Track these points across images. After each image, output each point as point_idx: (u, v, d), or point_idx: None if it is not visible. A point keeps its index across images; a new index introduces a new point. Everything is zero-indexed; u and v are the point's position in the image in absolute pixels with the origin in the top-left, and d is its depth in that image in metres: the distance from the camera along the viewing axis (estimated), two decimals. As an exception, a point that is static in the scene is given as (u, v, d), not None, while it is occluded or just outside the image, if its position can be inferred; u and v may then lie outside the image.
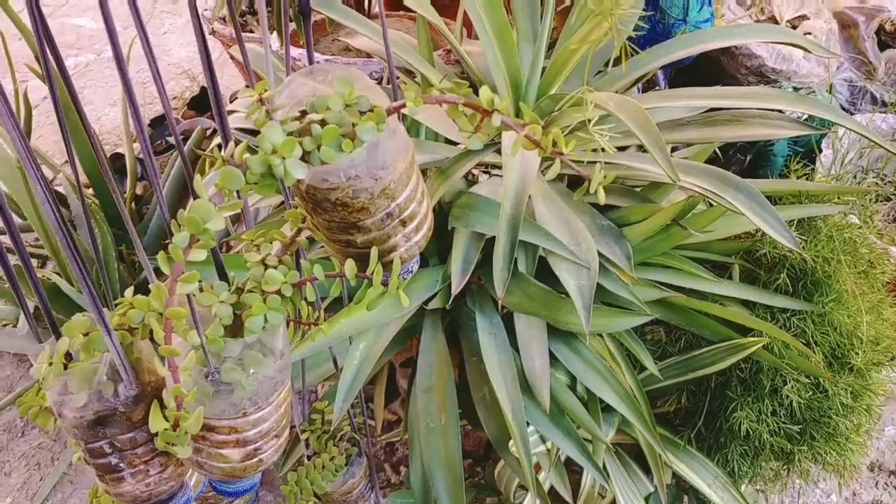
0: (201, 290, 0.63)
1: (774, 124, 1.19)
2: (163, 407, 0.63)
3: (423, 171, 1.24)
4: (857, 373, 1.23)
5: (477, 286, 1.25)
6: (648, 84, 1.76)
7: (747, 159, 1.68)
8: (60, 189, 2.01)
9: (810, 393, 1.21)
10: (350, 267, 0.63)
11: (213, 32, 2.15)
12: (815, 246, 1.21)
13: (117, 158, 2.21)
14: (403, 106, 0.57)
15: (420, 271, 1.21)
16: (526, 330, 1.17)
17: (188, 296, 0.59)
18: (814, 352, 1.23)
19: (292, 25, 2.17)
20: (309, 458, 1.25)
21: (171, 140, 2.65)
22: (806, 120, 1.26)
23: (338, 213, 0.60)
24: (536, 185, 1.20)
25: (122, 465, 0.74)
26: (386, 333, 1.17)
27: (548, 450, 1.28)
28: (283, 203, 1.39)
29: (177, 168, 2.15)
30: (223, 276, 0.68)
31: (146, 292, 0.60)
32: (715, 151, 1.56)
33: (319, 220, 0.63)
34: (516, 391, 1.09)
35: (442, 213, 1.18)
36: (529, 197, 1.19)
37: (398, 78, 1.77)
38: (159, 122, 2.74)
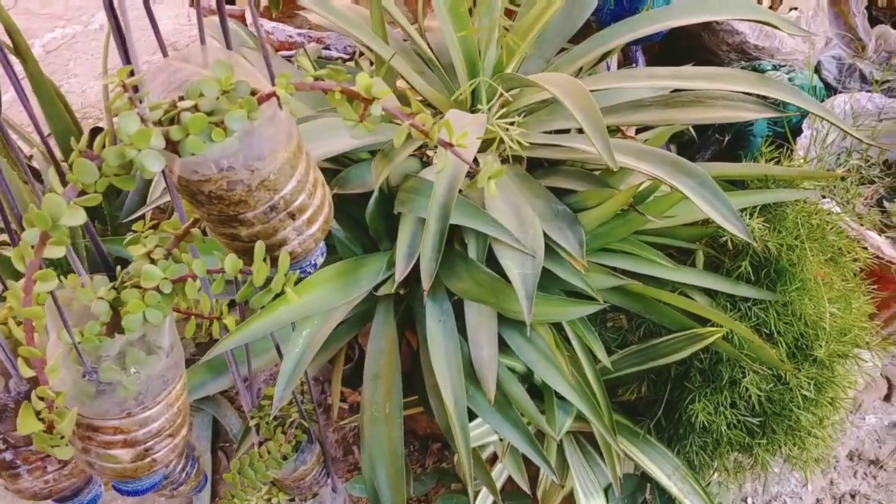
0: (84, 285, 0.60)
1: (738, 106, 1.15)
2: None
3: (374, 151, 1.20)
4: (820, 364, 1.19)
5: (431, 271, 1.22)
6: (627, 62, 1.71)
7: (725, 140, 1.63)
8: (36, 164, 1.98)
9: (771, 385, 1.18)
10: (231, 262, 0.59)
11: (192, 3, 2.10)
12: (778, 233, 1.17)
13: (98, 132, 2.17)
14: (273, 95, 0.53)
15: (368, 257, 1.18)
16: (475, 318, 1.14)
17: (52, 293, 0.56)
18: (776, 343, 1.19)
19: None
20: (260, 444, 1.23)
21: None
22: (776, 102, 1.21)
23: (214, 207, 0.57)
24: (489, 169, 1.16)
25: (17, 461, 0.72)
26: (332, 319, 1.14)
27: (500, 439, 1.25)
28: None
29: (154, 143, 2.10)
30: (109, 269, 0.65)
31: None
32: (691, 133, 1.52)
33: (200, 212, 0.59)
34: (460, 383, 1.06)
35: (391, 195, 1.15)
36: (476, 181, 1.15)
37: (357, 56, 1.73)
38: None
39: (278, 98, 0.54)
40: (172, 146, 0.53)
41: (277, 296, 0.63)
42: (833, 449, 1.31)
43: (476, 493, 1.48)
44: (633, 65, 1.67)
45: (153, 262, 0.62)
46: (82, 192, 0.51)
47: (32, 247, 0.50)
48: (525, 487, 1.30)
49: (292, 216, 0.60)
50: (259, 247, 0.59)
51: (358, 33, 1.19)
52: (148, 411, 0.64)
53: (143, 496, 1.71)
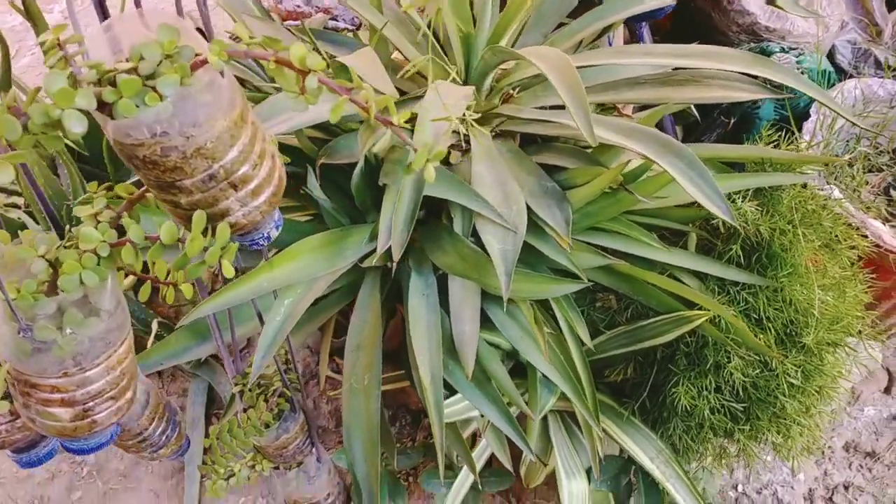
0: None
1: (734, 86, 1.12)
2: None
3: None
4: (808, 352, 1.17)
5: (418, 245, 1.21)
6: (634, 40, 1.67)
7: (731, 122, 1.59)
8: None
9: (757, 371, 1.16)
10: (167, 230, 0.59)
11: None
12: (770, 217, 1.14)
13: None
14: (204, 62, 0.52)
15: (354, 227, 1.17)
16: (459, 292, 1.13)
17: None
18: (766, 328, 1.17)
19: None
20: (244, 411, 1.23)
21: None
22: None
23: (151, 172, 0.56)
24: (481, 142, 1.15)
25: (-34, 412, 0.72)
26: (315, 289, 1.14)
27: (482, 415, 1.24)
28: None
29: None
30: (58, 226, 0.65)
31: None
32: (694, 114, 1.49)
33: (140, 176, 0.59)
34: (438, 356, 1.06)
35: (378, 166, 1.13)
36: (467, 155, 1.14)
37: (355, 28, 1.71)
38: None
39: (212, 64, 0.53)
40: (107, 108, 0.52)
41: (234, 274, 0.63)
42: (822, 439, 1.29)
43: (452, 466, 1.48)
44: (640, 42, 1.64)
45: (99, 223, 0.62)
46: (11, 148, 0.51)
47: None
48: (507, 465, 1.30)
49: (234, 186, 0.59)
50: (198, 216, 0.59)
51: (353, 3, 1.18)
52: (86, 372, 0.64)
53: (136, 457, 1.73)
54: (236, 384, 1.20)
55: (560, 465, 1.29)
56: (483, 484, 1.43)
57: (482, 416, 1.26)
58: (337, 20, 1.89)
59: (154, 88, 0.52)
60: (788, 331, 1.17)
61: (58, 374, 0.62)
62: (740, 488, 1.63)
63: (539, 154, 1.21)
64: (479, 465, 1.39)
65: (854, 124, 1.05)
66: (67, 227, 0.63)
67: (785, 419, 1.18)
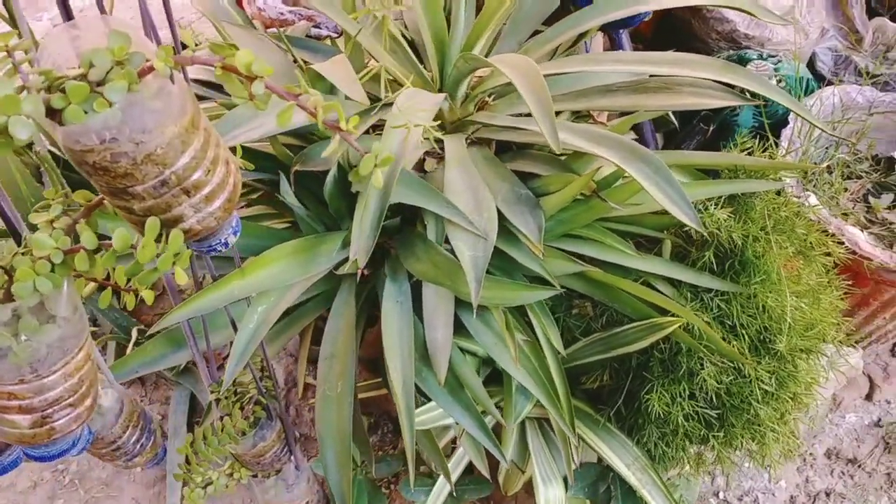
0: None
1: (705, 93, 1.13)
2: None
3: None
4: (781, 359, 1.17)
5: (395, 253, 1.21)
6: (614, 47, 1.68)
7: (710, 129, 1.60)
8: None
9: (731, 378, 1.16)
10: (120, 236, 0.59)
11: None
12: (743, 224, 1.15)
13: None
14: (151, 69, 0.53)
15: (327, 235, 1.17)
16: (433, 299, 1.13)
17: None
18: (739, 335, 1.17)
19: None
20: (221, 419, 1.23)
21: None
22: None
23: (101, 178, 0.56)
24: (455, 149, 1.15)
25: (-69, 421, 0.72)
26: (289, 296, 1.14)
27: (456, 423, 1.24)
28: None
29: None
30: (15, 234, 0.65)
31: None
32: (673, 121, 1.49)
33: (92, 182, 0.59)
34: (410, 362, 1.06)
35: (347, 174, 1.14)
36: (442, 162, 1.14)
37: (338, 35, 1.72)
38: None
39: (160, 72, 0.53)
40: (57, 115, 0.53)
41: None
42: (802, 446, 1.29)
43: (431, 474, 1.48)
44: (619, 50, 1.64)
45: (56, 230, 0.63)
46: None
47: None
48: (484, 472, 1.30)
49: (187, 192, 0.60)
50: (150, 222, 0.59)
51: (327, 10, 1.18)
52: (43, 379, 0.64)
53: (122, 470, 1.72)
54: (212, 392, 1.20)
55: (537, 471, 1.29)
56: (462, 491, 1.43)
57: (457, 423, 1.26)
58: (320, 27, 1.89)
59: (103, 95, 0.52)
60: (762, 337, 1.18)
61: (14, 381, 0.62)
62: (721, 495, 1.63)
63: (514, 161, 1.21)
64: (457, 473, 1.39)
65: (824, 132, 1.05)
66: (25, 234, 0.63)
67: (759, 425, 1.18)
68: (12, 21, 1.47)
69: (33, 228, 0.74)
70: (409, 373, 1.05)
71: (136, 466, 1.15)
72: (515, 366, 1.10)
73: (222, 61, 0.53)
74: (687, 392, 1.16)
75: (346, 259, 1.17)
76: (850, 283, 1.33)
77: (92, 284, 0.72)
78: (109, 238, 0.61)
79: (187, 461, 1.74)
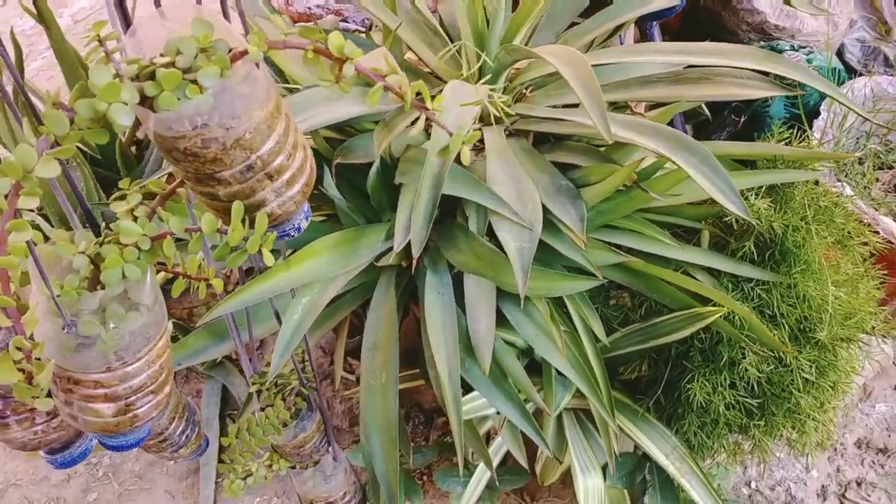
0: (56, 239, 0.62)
1: (747, 84, 1.13)
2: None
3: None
4: (822, 347, 1.18)
5: (434, 245, 1.22)
6: (644, 39, 1.69)
7: (741, 121, 1.61)
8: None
9: (772, 367, 1.17)
10: (207, 221, 0.60)
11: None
12: (783, 214, 1.15)
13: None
14: (245, 53, 0.54)
15: (369, 227, 1.18)
16: (474, 290, 1.14)
17: (29, 244, 0.57)
18: (779, 324, 1.17)
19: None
20: (262, 410, 1.24)
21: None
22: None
23: (190, 164, 0.57)
24: (495, 141, 1.16)
25: (7, 411, 0.73)
26: (332, 288, 1.15)
27: (498, 412, 1.25)
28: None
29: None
30: (93, 224, 0.66)
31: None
32: (705, 112, 1.49)
33: (178, 169, 0.60)
34: (455, 353, 1.07)
35: (393, 166, 1.15)
36: (483, 154, 1.15)
37: (366, 29, 1.73)
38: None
39: (251, 56, 0.54)
40: (148, 102, 0.53)
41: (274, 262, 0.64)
42: (836, 434, 1.29)
43: (467, 465, 1.49)
44: (650, 41, 1.65)
45: (136, 219, 0.64)
46: (56, 145, 0.52)
47: (6, 196, 0.51)
48: (523, 462, 1.31)
49: (270, 177, 0.61)
50: (236, 206, 0.60)
51: (367, 4, 1.19)
52: (129, 367, 0.65)
53: (151, 459, 1.74)
54: (253, 384, 1.21)
55: (575, 461, 1.30)
56: (499, 482, 1.44)
57: (498, 413, 1.27)
58: (347, 21, 1.91)
59: (195, 81, 0.53)
60: (802, 327, 1.18)
61: (101, 370, 0.63)
62: (753, 485, 1.64)
63: (552, 152, 1.22)
64: (495, 463, 1.40)
65: (866, 119, 1.06)
66: (103, 224, 0.64)
67: (799, 414, 1.19)
68: (41, 17, 1.49)
69: (88, 221, 0.75)
70: (454, 363, 1.06)
71: (182, 458, 1.16)
72: (561, 356, 1.11)
73: (314, 44, 0.54)
74: (728, 381, 1.17)
75: (387, 251, 1.18)
76: (885, 272, 1.33)
77: (162, 274, 0.73)
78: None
79: (219, 452, 1.76)
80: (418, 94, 0.60)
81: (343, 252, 1.13)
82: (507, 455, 1.38)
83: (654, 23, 1.50)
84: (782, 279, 1.17)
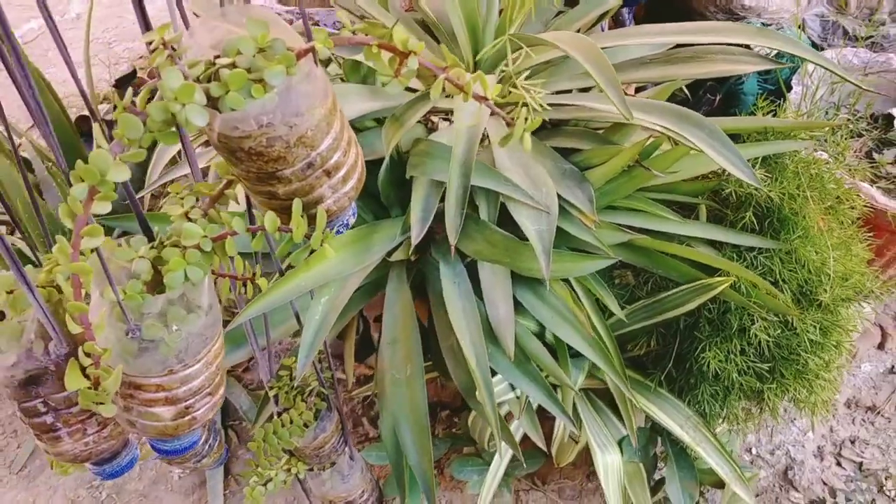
0: (120, 244, 0.62)
1: (738, 59, 1.16)
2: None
3: (380, 120, 1.22)
4: (825, 309, 1.22)
5: (441, 236, 1.23)
6: (616, 24, 1.72)
7: (717, 99, 1.65)
8: (25, 154, 1.98)
9: (779, 331, 1.20)
10: (270, 219, 0.60)
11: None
12: (780, 183, 1.19)
13: (83, 121, 2.16)
14: (312, 49, 0.55)
15: (380, 223, 1.19)
16: (490, 278, 1.15)
17: (97, 250, 0.57)
18: (782, 290, 1.21)
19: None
20: (279, 414, 1.24)
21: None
22: (771, 55, 1.23)
23: (254, 164, 0.58)
24: (499, 130, 1.17)
25: (58, 424, 0.73)
26: (348, 286, 1.15)
27: (517, 397, 1.27)
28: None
29: (146, 129, 2.11)
30: (147, 230, 0.66)
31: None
32: (684, 92, 1.53)
33: (238, 170, 0.60)
34: (480, 339, 1.08)
35: (400, 161, 1.16)
36: (488, 143, 1.17)
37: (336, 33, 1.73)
38: (126, 82, 2.70)
39: (315, 53, 0.55)
40: (213, 102, 0.54)
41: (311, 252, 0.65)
42: (836, 393, 1.34)
43: (480, 453, 1.51)
44: (624, 27, 1.68)
45: (191, 221, 0.64)
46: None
47: (81, 202, 0.51)
48: (541, 444, 1.32)
49: (328, 173, 0.61)
50: (297, 203, 0.61)
51: (361, 2, 1.20)
52: (189, 369, 0.65)
53: (154, 476, 1.72)
54: (272, 387, 1.21)
55: (592, 440, 1.32)
56: (514, 467, 1.46)
57: (517, 397, 1.29)
58: (319, 25, 1.90)
59: (259, 80, 0.54)
60: (803, 290, 1.22)
61: (162, 373, 0.63)
62: (754, 451, 1.68)
63: (551, 139, 1.24)
64: (508, 452, 1.42)
65: (858, 87, 1.10)
66: (157, 230, 0.65)
67: (807, 375, 1.23)
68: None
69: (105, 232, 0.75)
70: (480, 348, 1.08)
71: (205, 467, 1.16)
72: (584, 336, 1.13)
73: (378, 41, 0.55)
74: (738, 348, 1.20)
75: (396, 247, 1.19)
76: (870, 234, 1.38)
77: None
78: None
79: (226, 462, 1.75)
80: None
81: (358, 249, 1.13)
82: (522, 439, 1.40)
83: (630, 10, 1.53)
84: (782, 246, 1.21)
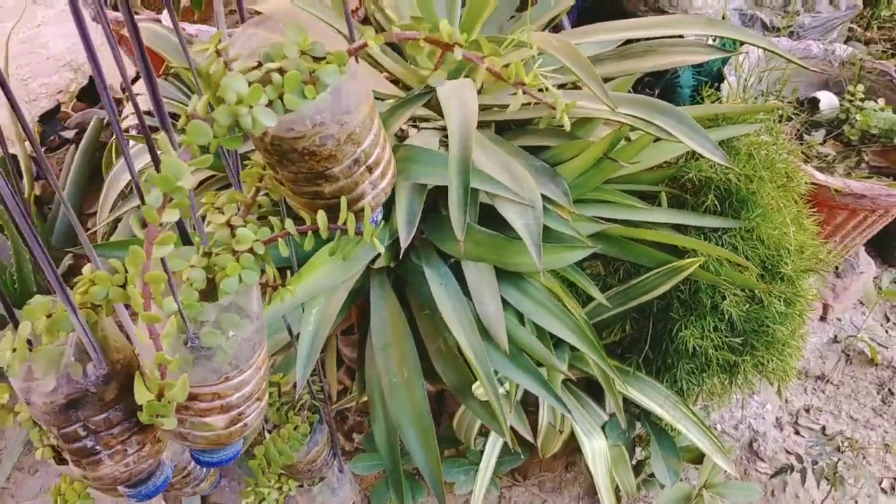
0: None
1: (689, 50, 1.23)
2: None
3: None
4: (788, 281, 1.29)
5: (420, 240, 1.25)
6: (555, 29, 1.78)
7: (655, 93, 1.72)
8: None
9: (747, 305, 1.27)
10: (322, 218, 0.62)
11: (95, 18, 2.06)
12: (737, 165, 1.26)
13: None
14: (365, 45, 0.57)
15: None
16: (476, 277, 1.18)
17: (162, 259, 0.57)
18: (747, 266, 1.28)
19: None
20: (269, 432, 1.24)
21: (65, 135, 2.55)
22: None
23: (305, 164, 0.59)
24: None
25: (98, 447, 0.72)
26: (336, 297, 1.16)
27: (507, 392, 1.30)
28: (205, 181, 1.35)
29: (77, 163, 2.07)
30: (187, 241, 0.67)
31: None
32: (629, 90, 1.59)
33: (285, 173, 0.62)
34: (475, 335, 1.11)
35: (378, 169, 1.17)
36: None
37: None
38: (50, 118, 2.63)
39: (363, 50, 0.57)
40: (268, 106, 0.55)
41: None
42: (800, 359, 1.42)
43: (464, 453, 1.53)
44: (562, 30, 1.74)
45: (232, 228, 0.65)
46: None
47: (155, 209, 0.52)
48: (528, 436, 1.35)
49: (370, 170, 0.63)
50: (343, 202, 0.62)
51: (323, 16, 1.21)
52: (243, 374, 0.66)
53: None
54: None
55: (577, 427, 1.36)
56: (498, 464, 1.48)
57: (507, 392, 1.32)
58: (197, 38, 1.90)
59: (309, 81, 0.55)
60: (766, 265, 1.29)
61: (219, 381, 0.64)
62: (719, 427, 1.75)
63: (517, 138, 1.28)
64: (495, 449, 1.45)
65: (803, 67, 1.18)
66: (198, 239, 0.65)
67: (776, 344, 1.30)
68: None
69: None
70: (478, 345, 1.10)
71: (202, 491, 1.15)
72: (569, 326, 1.17)
73: (424, 34, 0.58)
74: (712, 326, 1.26)
75: (379, 254, 1.21)
76: (814, 210, 1.47)
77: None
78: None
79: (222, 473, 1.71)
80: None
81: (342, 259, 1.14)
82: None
83: (567, 14, 1.59)
84: (743, 224, 1.28)
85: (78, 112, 2.65)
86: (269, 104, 0.55)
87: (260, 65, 0.57)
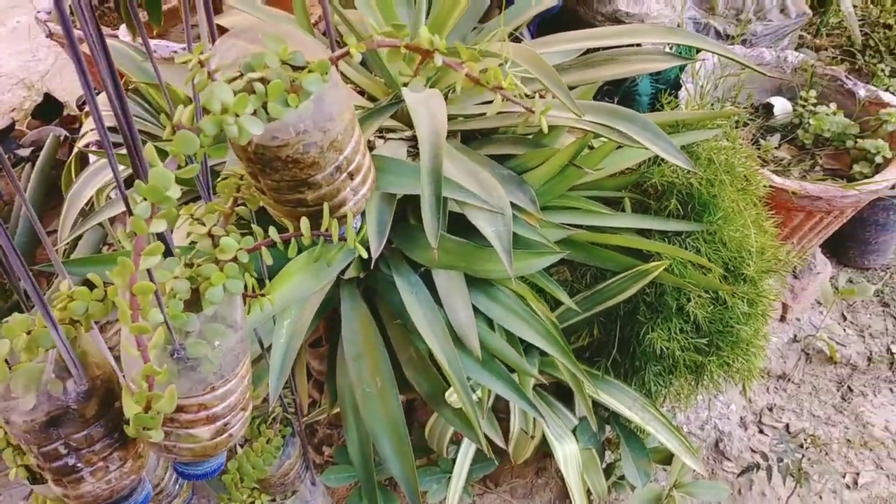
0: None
1: (649, 58, 1.26)
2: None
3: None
4: (750, 282, 1.32)
5: (389, 250, 1.26)
6: (515, 41, 1.80)
7: (615, 102, 1.75)
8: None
9: (712, 307, 1.30)
10: (305, 225, 0.62)
11: (50, 35, 2.04)
12: (698, 169, 1.29)
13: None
14: (347, 54, 0.57)
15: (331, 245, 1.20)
16: (446, 285, 1.19)
17: (149, 270, 0.57)
18: (709, 268, 1.31)
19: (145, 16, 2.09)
20: (241, 446, 1.23)
21: (20, 153, 2.51)
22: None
23: (288, 172, 0.60)
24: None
25: (80, 464, 0.71)
26: (308, 308, 1.16)
27: (479, 398, 1.31)
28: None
29: (33, 181, 2.05)
30: (168, 252, 0.66)
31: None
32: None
33: (268, 181, 0.62)
34: (448, 343, 1.11)
35: (347, 180, 1.18)
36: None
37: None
38: (4, 136, 2.58)
39: (347, 58, 0.58)
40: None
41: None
42: (764, 359, 1.45)
43: (436, 461, 1.53)
44: (522, 41, 1.77)
45: (214, 238, 0.65)
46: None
47: (144, 220, 0.52)
48: (500, 443, 1.36)
49: (352, 176, 0.64)
50: (325, 208, 0.63)
51: (284, 24, 1.21)
52: (228, 384, 0.66)
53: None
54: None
55: (549, 432, 1.37)
56: (470, 471, 1.49)
57: (479, 399, 1.32)
58: (156, 53, 1.90)
59: (291, 90, 0.56)
60: (728, 267, 1.32)
61: (205, 391, 0.63)
62: (686, 428, 1.78)
63: (483, 147, 1.29)
64: (472, 450, 1.46)
65: (764, 74, 1.21)
66: (178, 252, 0.65)
67: (741, 343, 1.33)
68: None
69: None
70: (451, 352, 1.11)
71: (173, 509, 1.13)
72: (539, 331, 1.18)
73: (404, 42, 0.59)
74: (678, 327, 1.29)
75: (349, 265, 1.21)
76: (773, 212, 1.51)
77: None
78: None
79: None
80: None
81: (314, 269, 1.14)
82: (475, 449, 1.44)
83: (526, 26, 1.61)
84: (706, 227, 1.31)
85: (33, 130, 2.61)
86: (254, 113, 0.56)
87: (242, 75, 0.57)
